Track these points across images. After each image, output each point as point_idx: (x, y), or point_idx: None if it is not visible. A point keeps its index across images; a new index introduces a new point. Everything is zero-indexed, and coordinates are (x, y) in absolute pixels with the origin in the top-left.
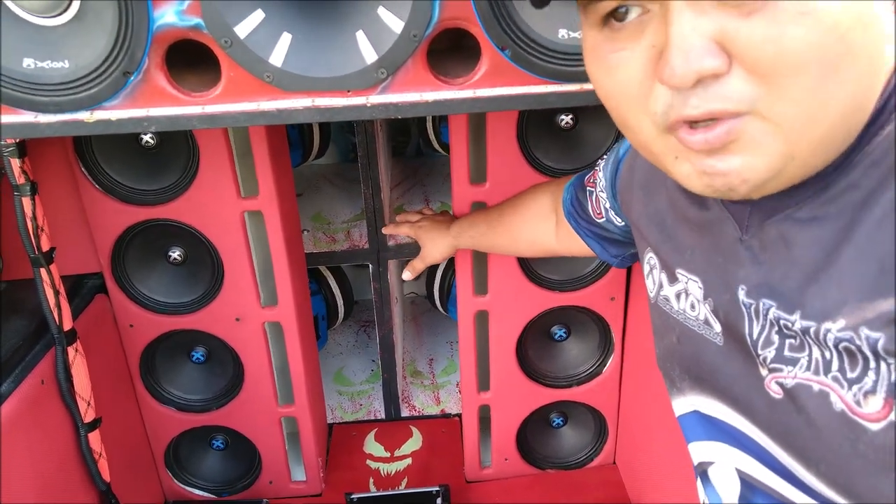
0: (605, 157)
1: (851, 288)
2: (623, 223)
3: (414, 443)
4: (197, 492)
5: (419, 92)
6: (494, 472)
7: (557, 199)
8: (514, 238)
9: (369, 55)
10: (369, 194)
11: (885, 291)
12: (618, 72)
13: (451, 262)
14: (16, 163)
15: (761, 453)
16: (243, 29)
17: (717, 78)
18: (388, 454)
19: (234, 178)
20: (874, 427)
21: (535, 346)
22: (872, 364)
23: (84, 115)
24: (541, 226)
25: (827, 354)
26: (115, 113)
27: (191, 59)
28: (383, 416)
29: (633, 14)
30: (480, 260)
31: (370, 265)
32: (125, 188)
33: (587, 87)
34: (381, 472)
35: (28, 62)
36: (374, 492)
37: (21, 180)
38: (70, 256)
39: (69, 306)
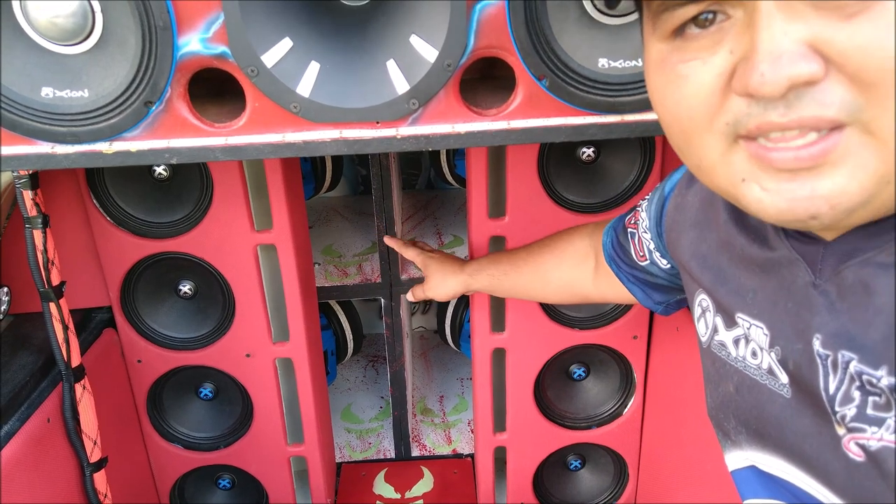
0: (647, 197)
1: None
2: (669, 265)
3: (425, 484)
4: None
5: (451, 123)
6: None
7: (596, 243)
8: (544, 280)
9: (401, 85)
10: (383, 227)
11: None
12: (687, 83)
13: (463, 297)
14: (28, 195)
15: None
16: (271, 58)
17: (812, 84)
18: (398, 495)
19: (248, 211)
20: None
21: (553, 386)
22: None
23: (103, 146)
24: (577, 269)
25: None
26: (135, 144)
27: (213, 90)
28: (393, 455)
29: (714, 21)
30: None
31: (382, 300)
32: (137, 221)
33: (628, 118)
34: None
35: (47, 91)
36: None
37: (33, 212)
38: (79, 289)
39: (77, 341)
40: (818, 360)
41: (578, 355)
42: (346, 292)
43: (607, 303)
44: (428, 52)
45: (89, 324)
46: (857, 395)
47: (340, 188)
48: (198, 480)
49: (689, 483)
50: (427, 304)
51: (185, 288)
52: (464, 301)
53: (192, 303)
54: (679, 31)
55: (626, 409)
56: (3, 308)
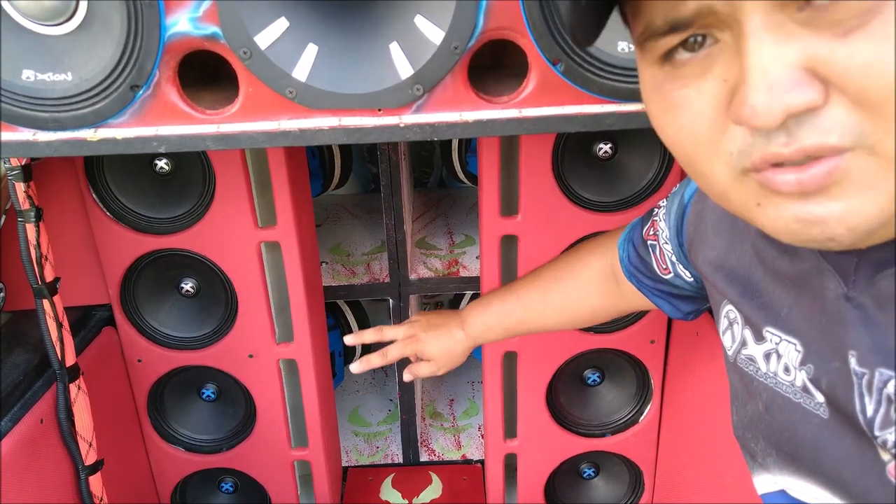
0: (662, 204)
1: None
2: (692, 278)
3: (433, 490)
4: None
5: (458, 111)
6: None
7: (613, 260)
8: (569, 315)
9: (404, 69)
10: (391, 225)
11: None
12: (683, 113)
13: (472, 295)
14: (20, 187)
15: None
16: (265, 39)
17: (812, 111)
18: (405, 502)
19: (252, 207)
20: None
21: (566, 391)
22: None
23: (87, 134)
24: (601, 295)
25: None
26: (121, 131)
27: (206, 77)
28: (401, 460)
29: (703, 45)
30: None
31: (390, 300)
32: (137, 216)
33: None
34: None
35: (27, 74)
36: None
37: (25, 205)
38: (78, 287)
39: (73, 340)
40: (854, 380)
41: (593, 360)
42: (353, 292)
43: (638, 311)
44: (434, 33)
45: (88, 322)
46: None
47: (351, 186)
48: (199, 484)
49: (707, 495)
50: (438, 304)
51: (188, 286)
52: (472, 297)
53: (194, 301)
54: (668, 56)
55: (642, 417)
56: None
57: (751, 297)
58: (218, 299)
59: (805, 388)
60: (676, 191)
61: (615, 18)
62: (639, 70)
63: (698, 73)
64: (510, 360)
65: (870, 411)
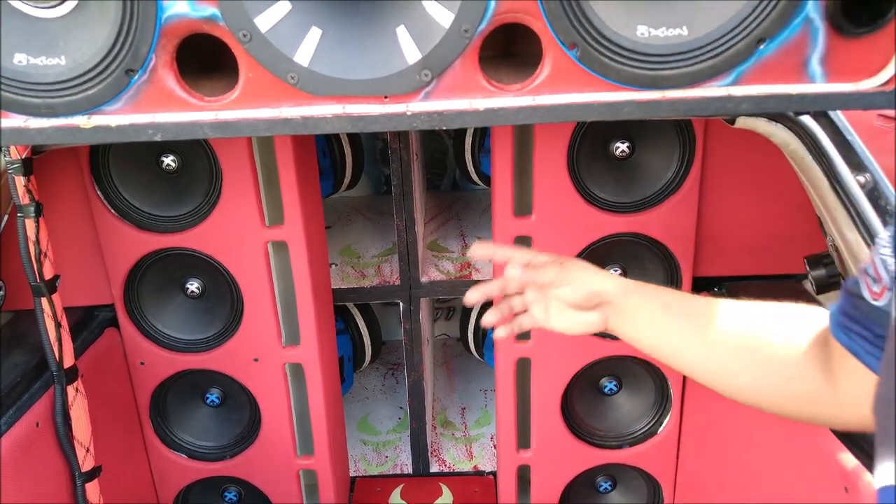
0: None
1: None
2: None
3: (444, 502)
4: None
5: (468, 99)
6: None
7: (825, 332)
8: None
9: (411, 54)
10: (402, 227)
11: None
12: None
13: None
14: (20, 181)
15: None
16: (265, 21)
17: None
18: None
19: (259, 205)
20: None
21: (582, 400)
22: None
23: (80, 121)
24: (814, 374)
25: None
26: (115, 118)
27: (206, 64)
28: (410, 470)
29: None
30: None
31: (400, 303)
32: (143, 214)
33: (670, 95)
34: None
35: (20, 58)
36: None
37: (25, 200)
38: (80, 286)
39: (75, 341)
40: None
41: (610, 367)
42: (362, 295)
43: (857, 413)
44: (443, 16)
45: (90, 322)
46: None
47: (364, 187)
48: (202, 492)
49: None
50: (451, 310)
51: (193, 286)
52: (487, 307)
53: (199, 302)
54: None
55: (661, 428)
56: None
57: None
58: (223, 300)
59: None
60: None
61: (637, 3)
62: None
63: None
64: (523, 366)
65: None
